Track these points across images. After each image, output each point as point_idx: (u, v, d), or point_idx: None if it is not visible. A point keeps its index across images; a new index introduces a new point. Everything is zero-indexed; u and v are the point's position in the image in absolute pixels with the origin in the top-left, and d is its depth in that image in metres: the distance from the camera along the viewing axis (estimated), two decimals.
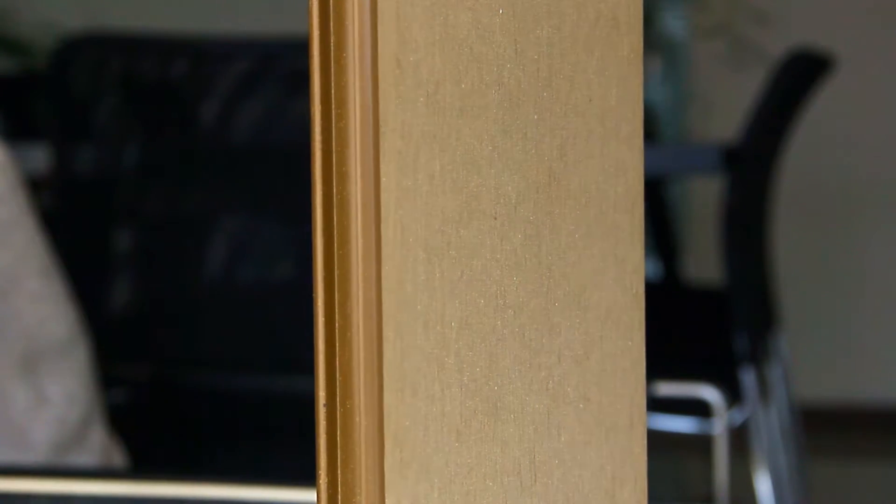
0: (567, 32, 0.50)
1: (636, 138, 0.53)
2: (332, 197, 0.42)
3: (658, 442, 3.46)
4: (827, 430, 4.00)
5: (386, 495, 0.42)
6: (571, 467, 0.51)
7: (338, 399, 0.42)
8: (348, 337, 0.42)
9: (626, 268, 0.53)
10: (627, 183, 0.53)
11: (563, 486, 0.50)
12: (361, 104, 0.42)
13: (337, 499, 0.42)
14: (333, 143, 0.42)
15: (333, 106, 0.42)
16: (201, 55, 1.65)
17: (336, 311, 0.42)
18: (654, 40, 2.68)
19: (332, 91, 0.42)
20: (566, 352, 0.50)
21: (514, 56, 0.47)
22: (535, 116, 0.48)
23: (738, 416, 2.38)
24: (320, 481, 0.43)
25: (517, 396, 0.48)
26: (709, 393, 1.86)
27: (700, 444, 2.99)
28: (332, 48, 0.42)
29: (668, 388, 1.85)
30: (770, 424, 2.54)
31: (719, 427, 2.13)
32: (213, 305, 1.65)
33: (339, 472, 0.42)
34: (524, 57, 0.48)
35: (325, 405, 0.42)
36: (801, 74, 2.52)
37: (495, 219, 0.47)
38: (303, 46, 1.66)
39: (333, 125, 0.42)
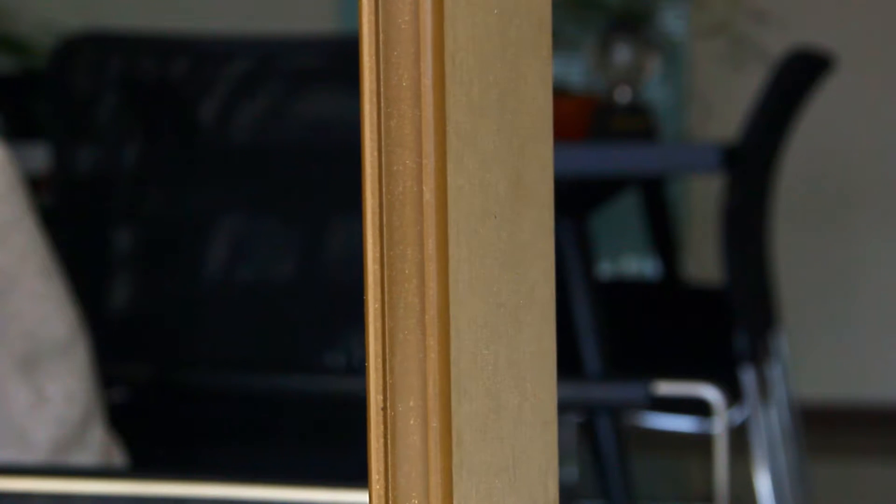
0: (524, 32, 0.50)
1: (551, 138, 0.54)
2: (382, 197, 0.42)
3: (658, 441, 3.46)
4: (827, 429, 4.00)
5: (454, 497, 0.42)
6: (528, 461, 0.51)
7: (388, 402, 0.42)
8: (401, 339, 0.42)
9: (547, 265, 0.54)
10: (546, 181, 0.54)
11: (526, 481, 0.51)
12: (424, 103, 0.41)
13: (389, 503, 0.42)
14: (383, 142, 0.42)
15: (383, 105, 0.42)
16: (201, 55, 1.65)
17: (386, 313, 0.42)
18: (654, 40, 2.68)
19: (382, 90, 0.42)
20: (526, 348, 0.51)
21: (502, 55, 0.48)
22: (510, 116, 0.49)
23: (738, 416, 2.38)
24: (376, 486, 0.42)
25: (506, 394, 0.48)
26: (709, 392, 1.86)
27: (700, 444, 2.99)
28: (380, 46, 0.42)
29: (667, 388, 1.85)
30: (770, 424, 2.54)
31: (719, 426, 2.13)
32: (213, 305, 1.65)
33: (389, 475, 0.42)
34: (504, 57, 0.48)
35: (382, 409, 0.42)
36: (800, 74, 2.52)
37: (496, 217, 0.47)
38: (303, 46, 1.66)
39: (383, 124, 0.42)
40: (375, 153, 0.42)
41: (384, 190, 0.41)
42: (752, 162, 2.39)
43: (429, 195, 0.41)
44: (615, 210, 3.66)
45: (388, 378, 0.42)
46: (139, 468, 1.44)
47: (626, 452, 1.83)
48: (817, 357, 4.18)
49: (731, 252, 2.29)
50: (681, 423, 2.45)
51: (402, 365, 0.41)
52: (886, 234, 4.19)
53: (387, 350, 0.42)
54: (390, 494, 0.42)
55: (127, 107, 1.67)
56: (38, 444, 1.24)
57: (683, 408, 2.36)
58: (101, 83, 1.66)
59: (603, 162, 2.22)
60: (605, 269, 4.24)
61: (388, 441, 0.42)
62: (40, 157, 2.16)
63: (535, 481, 0.52)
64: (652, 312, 2.78)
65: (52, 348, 1.26)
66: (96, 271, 1.67)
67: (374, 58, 0.42)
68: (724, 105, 3.98)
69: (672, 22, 4.16)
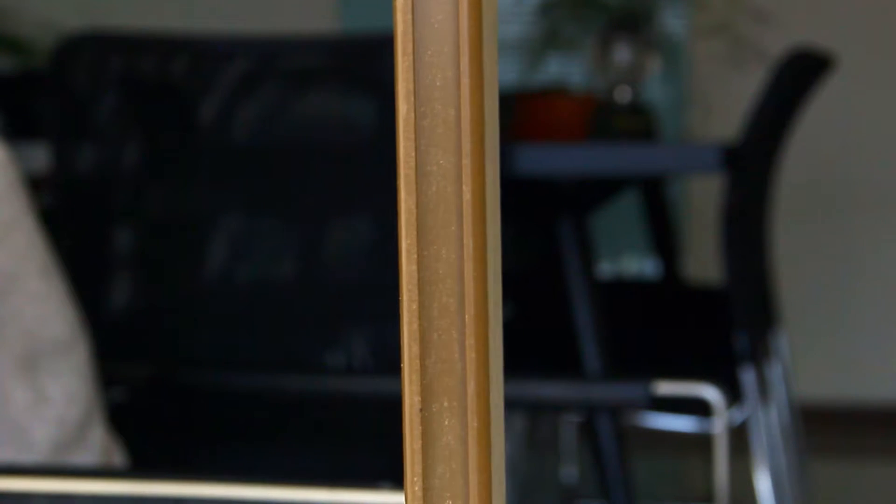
0: (492, 34, 0.51)
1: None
2: (418, 197, 0.41)
3: (658, 441, 3.46)
4: (827, 429, 4.00)
5: (493, 497, 0.42)
6: (503, 460, 0.52)
7: (422, 402, 0.41)
8: (435, 340, 0.41)
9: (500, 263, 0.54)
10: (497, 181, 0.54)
11: (503, 481, 0.51)
12: (463, 103, 0.41)
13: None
14: (418, 141, 0.41)
15: (416, 104, 0.42)
16: (201, 55, 1.65)
17: (419, 313, 0.41)
18: (654, 40, 2.68)
19: (415, 89, 0.41)
20: (497, 345, 0.51)
21: (489, 55, 0.48)
22: (491, 116, 0.49)
23: (739, 416, 2.38)
24: (415, 487, 0.42)
25: (496, 393, 0.48)
26: (709, 392, 1.86)
27: (700, 444, 2.99)
28: (416, 45, 0.41)
29: (667, 388, 1.85)
30: (770, 424, 2.54)
31: (719, 426, 2.13)
32: (214, 305, 1.65)
33: (423, 476, 0.41)
34: (489, 57, 0.48)
35: (420, 410, 0.42)
36: (801, 74, 2.52)
37: (495, 217, 0.47)
38: (303, 46, 1.66)
39: (416, 123, 0.41)
40: (412, 153, 0.41)
41: (418, 189, 0.41)
42: (752, 162, 2.39)
43: (469, 195, 0.41)
44: (615, 210, 3.66)
45: (421, 379, 0.41)
46: (139, 468, 1.44)
47: (626, 452, 1.83)
48: (817, 357, 4.18)
49: (731, 252, 2.29)
50: (681, 423, 2.45)
51: (436, 366, 0.41)
52: (886, 233, 4.19)
53: (421, 350, 0.41)
54: (426, 495, 0.42)
55: (127, 106, 1.67)
56: (38, 443, 1.24)
57: (683, 408, 2.36)
58: (101, 83, 1.66)
59: (603, 162, 2.22)
60: (605, 269, 4.24)
61: (425, 442, 0.41)
62: (40, 157, 2.16)
63: (503, 481, 0.52)
64: (652, 312, 2.78)
65: (52, 348, 1.26)
66: (96, 271, 1.67)
67: (409, 57, 0.41)
68: (724, 105, 3.98)
69: (672, 22, 4.16)
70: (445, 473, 0.41)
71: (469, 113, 0.41)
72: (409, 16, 0.41)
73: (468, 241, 0.41)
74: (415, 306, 0.41)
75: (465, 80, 0.41)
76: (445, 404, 0.41)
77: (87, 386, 1.28)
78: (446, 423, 0.41)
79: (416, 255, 0.41)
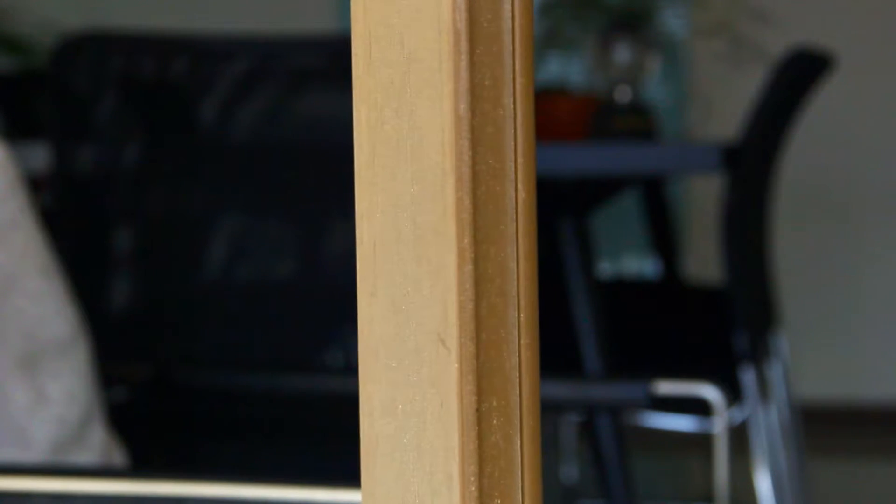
0: None
1: None
2: (475, 196, 0.41)
3: (658, 441, 3.46)
4: (827, 429, 4.00)
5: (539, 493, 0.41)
6: None
7: (474, 400, 0.41)
8: (483, 339, 0.41)
9: None
10: None
11: None
12: (518, 103, 0.40)
13: (483, 499, 0.41)
14: (471, 141, 0.41)
15: (472, 102, 0.41)
16: (201, 55, 1.65)
17: (475, 311, 0.41)
18: (653, 39, 2.68)
19: (473, 88, 0.41)
20: None
21: None
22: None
23: (739, 415, 2.38)
24: (472, 488, 0.41)
25: None
26: (709, 392, 1.86)
27: (700, 443, 2.99)
28: (472, 45, 0.41)
29: (668, 387, 1.85)
30: (770, 423, 2.54)
31: (719, 426, 2.13)
32: (213, 305, 1.65)
33: (480, 474, 0.41)
34: None
35: (477, 410, 0.41)
36: (800, 73, 2.52)
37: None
38: (303, 46, 1.66)
39: (469, 122, 0.41)
40: (470, 152, 0.41)
41: (468, 187, 0.41)
42: (752, 162, 2.39)
43: (524, 194, 0.41)
44: (615, 210, 3.66)
45: (474, 377, 0.41)
46: (139, 468, 1.44)
47: (626, 452, 1.83)
48: (817, 357, 4.18)
49: (731, 252, 2.29)
50: (681, 423, 2.45)
51: (484, 365, 0.41)
52: (886, 233, 4.20)
53: (476, 347, 0.41)
54: (477, 494, 0.41)
55: (127, 106, 1.67)
56: (38, 443, 1.24)
57: (683, 407, 2.36)
58: (101, 83, 1.66)
59: (603, 162, 2.22)
60: (606, 268, 4.24)
61: (480, 441, 0.41)
62: (40, 157, 2.16)
63: None
64: (652, 312, 2.78)
65: (52, 348, 1.26)
66: (96, 271, 1.67)
67: (466, 56, 0.41)
68: (724, 105, 3.98)
69: (672, 21, 4.16)
70: (494, 472, 0.41)
71: (522, 112, 0.41)
72: (465, 14, 0.40)
73: (523, 241, 0.41)
74: (471, 306, 0.41)
75: (521, 80, 0.41)
76: (494, 403, 0.41)
77: (87, 386, 1.28)
78: (494, 422, 0.41)
79: (471, 255, 0.41)
